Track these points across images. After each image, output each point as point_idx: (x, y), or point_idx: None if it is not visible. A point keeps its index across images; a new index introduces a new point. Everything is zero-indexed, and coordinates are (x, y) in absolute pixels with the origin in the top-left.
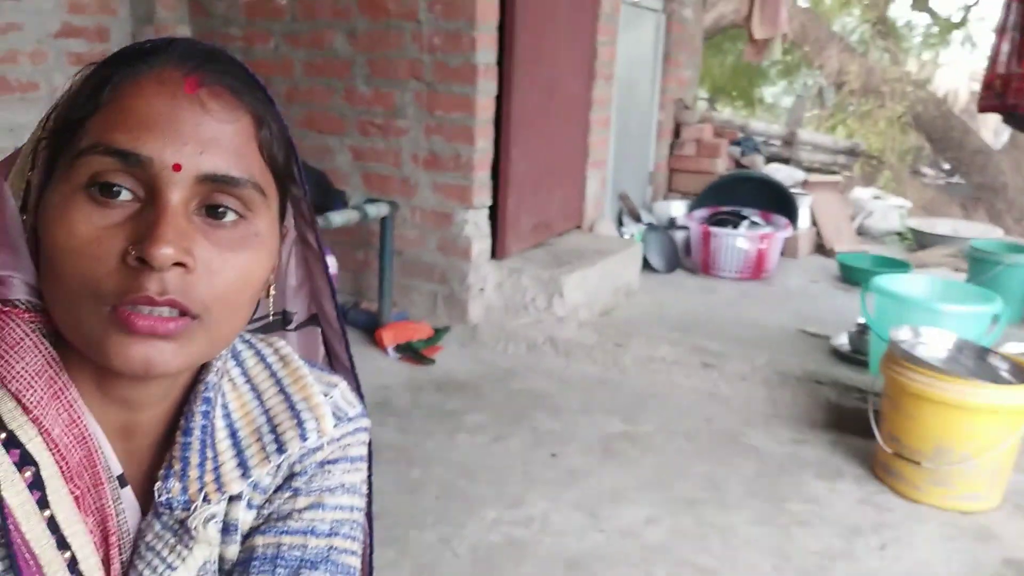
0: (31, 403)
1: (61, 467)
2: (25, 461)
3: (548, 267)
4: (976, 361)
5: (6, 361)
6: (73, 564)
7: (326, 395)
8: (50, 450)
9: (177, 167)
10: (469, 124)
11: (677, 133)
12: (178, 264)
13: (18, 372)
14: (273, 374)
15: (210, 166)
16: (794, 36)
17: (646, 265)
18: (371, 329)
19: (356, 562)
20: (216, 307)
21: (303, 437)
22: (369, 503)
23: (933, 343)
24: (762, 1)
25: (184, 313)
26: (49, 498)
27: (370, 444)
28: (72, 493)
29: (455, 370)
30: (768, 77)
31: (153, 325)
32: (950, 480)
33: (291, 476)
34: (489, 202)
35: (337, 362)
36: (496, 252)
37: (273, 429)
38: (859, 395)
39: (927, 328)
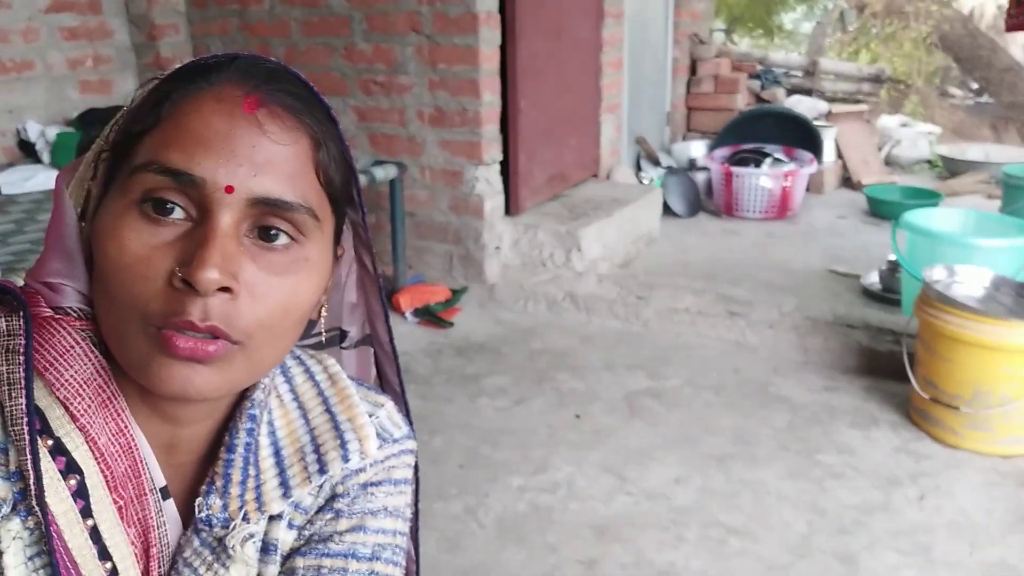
0: (79, 411)
1: (106, 476)
2: (71, 469)
3: (564, 221)
4: (1015, 298)
5: (56, 368)
6: (114, 575)
7: (371, 415)
8: (96, 459)
9: (230, 189)
10: (474, 76)
11: (693, 70)
12: (223, 289)
13: (67, 379)
14: (320, 392)
15: (263, 189)
16: None
17: (667, 210)
18: (387, 294)
19: None
20: (259, 333)
21: (345, 458)
22: (416, 526)
23: (968, 281)
24: None
25: (225, 339)
26: (93, 507)
27: (416, 466)
28: (116, 503)
29: (474, 332)
30: (786, 3)
31: (194, 348)
32: (990, 424)
33: (333, 497)
34: (500, 157)
35: (388, 385)
36: (510, 208)
37: (316, 449)
38: (892, 338)
39: (961, 266)
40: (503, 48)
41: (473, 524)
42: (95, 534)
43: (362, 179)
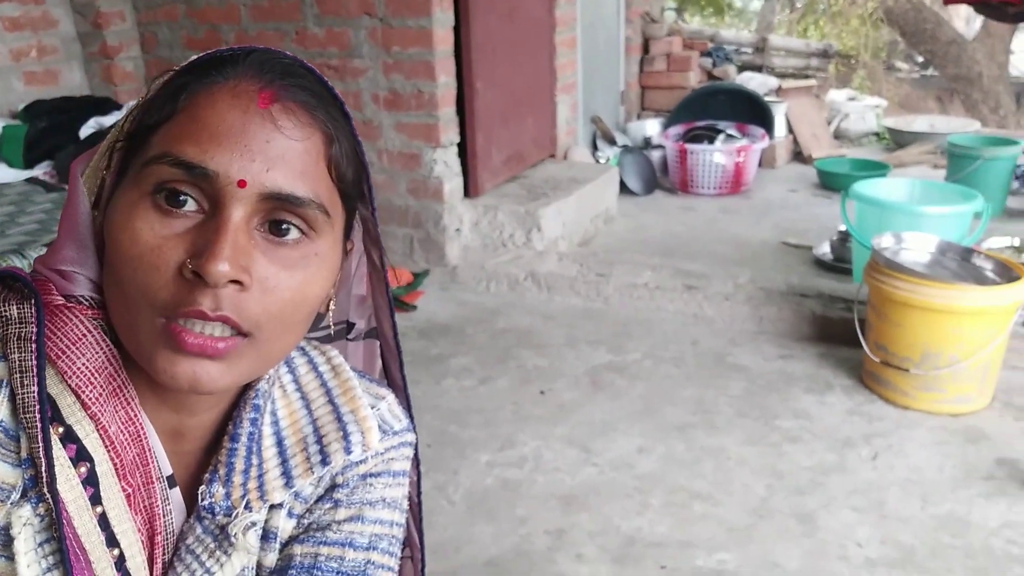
0: (90, 399)
1: (115, 464)
2: (81, 456)
3: (524, 201)
4: (960, 263)
5: (68, 356)
6: (120, 562)
7: (373, 407)
8: (106, 447)
9: (242, 183)
10: (428, 58)
11: (646, 49)
12: (234, 281)
13: (79, 368)
14: (324, 383)
15: (275, 184)
16: None
17: (624, 189)
18: None
19: None
20: (268, 325)
21: (347, 450)
22: (420, 516)
23: (916, 248)
24: None
25: (235, 330)
26: (102, 495)
27: (417, 459)
28: (124, 491)
29: (437, 314)
30: None
31: (203, 345)
32: (939, 384)
33: (333, 487)
34: (457, 139)
35: (391, 379)
36: (469, 190)
37: (319, 440)
38: (844, 305)
39: (909, 233)
40: (457, 29)
41: (443, 501)
42: (103, 521)
43: None
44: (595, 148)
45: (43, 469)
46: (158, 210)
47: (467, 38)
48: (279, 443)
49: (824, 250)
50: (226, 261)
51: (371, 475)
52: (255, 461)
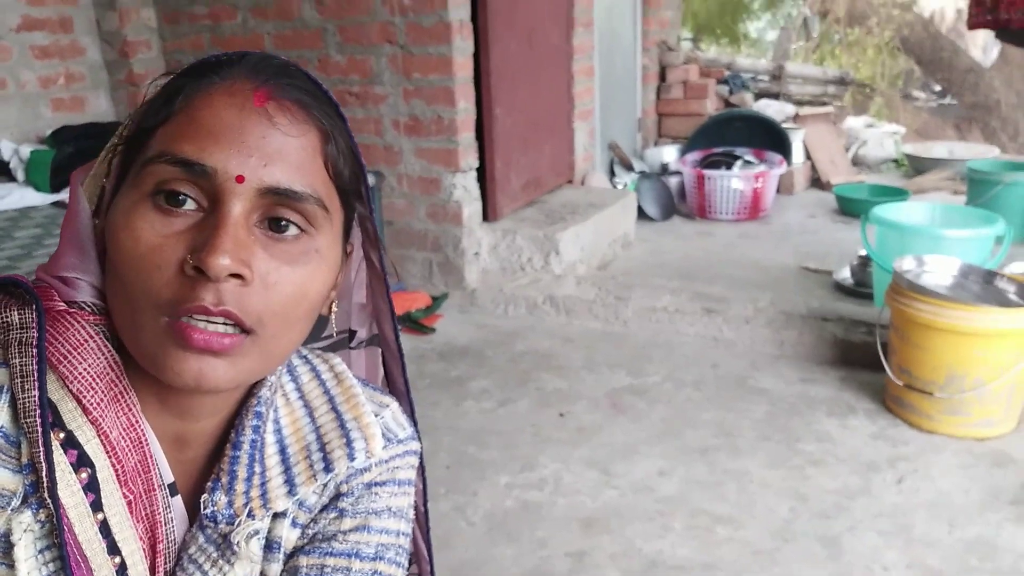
0: (91, 405)
1: (116, 471)
2: (82, 462)
3: (542, 225)
4: (983, 285)
5: (70, 362)
6: (122, 570)
7: (377, 415)
8: (107, 453)
9: (240, 179)
10: (448, 85)
11: (663, 76)
12: (235, 276)
13: (80, 373)
14: (327, 391)
15: (273, 179)
16: None
17: (641, 214)
18: None
19: None
20: (271, 321)
21: (351, 456)
22: (427, 526)
23: (938, 271)
24: None
25: (238, 326)
26: (103, 501)
27: (423, 467)
28: (126, 498)
29: (456, 337)
30: (751, 11)
31: (208, 341)
32: (964, 408)
33: (337, 496)
34: (476, 164)
35: (393, 385)
36: (488, 214)
37: (322, 447)
38: (866, 329)
39: (930, 256)
40: (476, 56)
41: (462, 522)
42: (104, 528)
43: None
44: (612, 174)
45: (44, 474)
46: (158, 210)
47: (486, 65)
48: (282, 451)
49: (844, 275)
50: (226, 254)
51: (376, 484)
52: (258, 469)
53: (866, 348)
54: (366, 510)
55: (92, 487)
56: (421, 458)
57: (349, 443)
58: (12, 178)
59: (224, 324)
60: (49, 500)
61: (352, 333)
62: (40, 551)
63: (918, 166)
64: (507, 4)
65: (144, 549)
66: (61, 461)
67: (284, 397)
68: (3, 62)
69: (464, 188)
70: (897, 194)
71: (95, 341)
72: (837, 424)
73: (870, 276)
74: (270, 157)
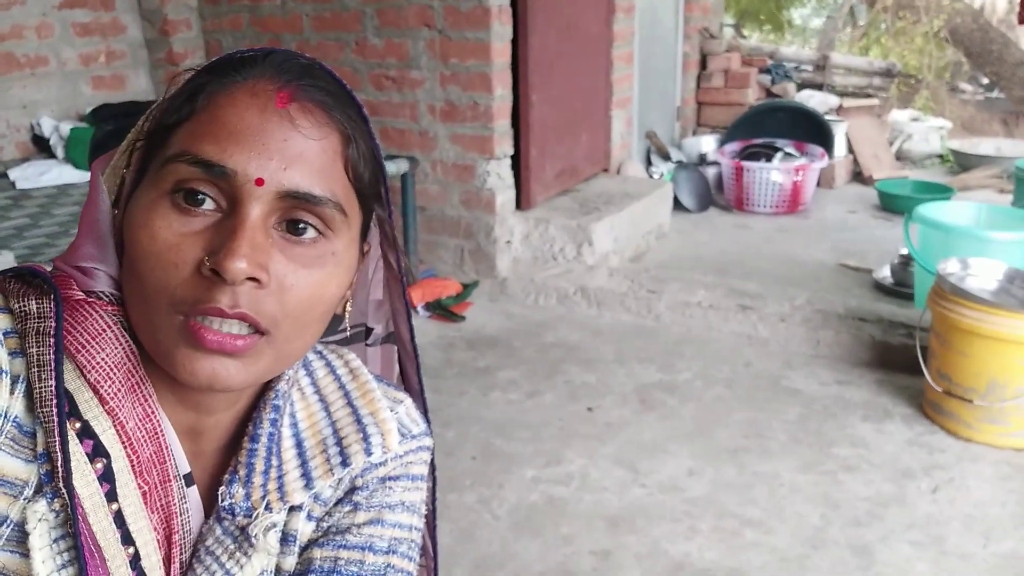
0: (108, 395)
1: (132, 461)
2: (97, 452)
3: (575, 215)
4: None
5: (87, 351)
6: (135, 561)
7: (392, 410)
8: (122, 443)
9: (260, 182)
10: (485, 71)
11: (704, 64)
12: (251, 279)
13: (98, 363)
14: (342, 386)
15: (293, 183)
16: None
17: (677, 205)
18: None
19: None
20: (286, 324)
21: (368, 451)
22: (433, 523)
23: (982, 274)
24: None
25: (253, 327)
26: (118, 492)
27: (433, 463)
28: (140, 488)
29: (486, 326)
30: None
31: (222, 342)
32: (1004, 417)
33: (352, 490)
34: (511, 151)
35: (408, 383)
36: (521, 203)
37: (339, 442)
38: (905, 331)
39: (975, 259)
40: (514, 42)
41: (487, 515)
42: (119, 518)
43: None
44: (649, 163)
45: (59, 464)
46: (177, 208)
47: (525, 51)
48: (298, 444)
49: (884, 274)
50: (244, 258)
51: (390, 478)
52: (275, 462)
53: (905, 351)
54: (380, 504)
55: (107, 477)
56: (432, 455)
57: (366, 438)
58: (52, 155)
59: (239, 325)
60: (64, 489)
61: (369, 330)
62: (55, 540)
63: (964, 162)
64: None
65: (159, 539)
66: (77, 451)
67: (300, 391)
68: (46, 39)
69: (498, 175)
70: (941, 191)
71: (113, 331)
72: (872, 429)
73: (911, 276)
74: (291, 160)
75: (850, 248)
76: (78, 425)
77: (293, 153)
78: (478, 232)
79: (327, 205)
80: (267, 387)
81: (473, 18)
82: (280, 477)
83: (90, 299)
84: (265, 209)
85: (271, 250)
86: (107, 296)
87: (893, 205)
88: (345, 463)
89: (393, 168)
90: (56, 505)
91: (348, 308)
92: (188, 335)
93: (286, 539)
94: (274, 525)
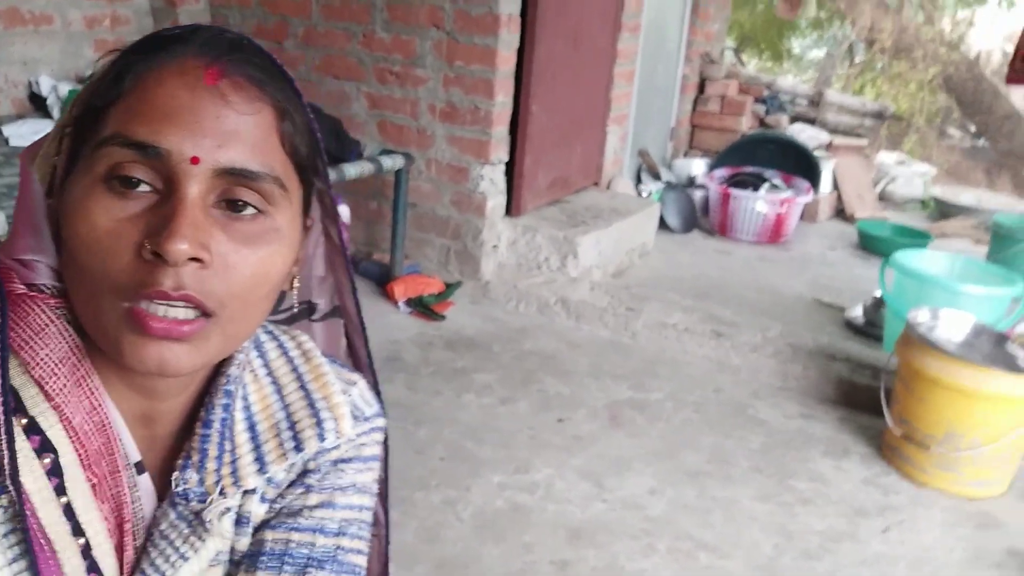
0: (54, 390)
1: (80, 454)
2: (45, 447)
3: (563, 226)
4: (993, 347)
5: (31, 347)
6: (87, 550)
7: (345, 393)
8: (70, 437)
9: (195, 160)
10: (489, 77)
11: (702, 88)
12: (194, 259)
13: (42, 358)
14: (295, 368)
15: (229, 160)
16: None
17: (662, 224)
18: (383, 281)
19: (363, 561)
20: (232, 303)
21: (321, 437)
22: (385, 491)
23: (951, 326)
24: None
25: (199, 310)
26: (67, 485)
27: (386, 442)
28: (89, 481)
29: (465, 327)
30: (798, 29)
31: (168, 328)
32: (958, 466)
33: (305, 472)
34: (506, 158)
35: (356, 356)
36: (511, 209)
37: (292, 426)
38: (871, 372)
39: (945, 310)
40: (520, 51)
41: (452, 516)
42: (69, 511)
43: (368, 167)
44: (639, 181)
45: (6, 461)
46: (112, 193)
47: (529, 61)
48: (251, 428)
49: (856, 313)
50: (184, 239)
51: (342, 461)
52: (228, 447)
53: (869, 392)
54: (332, 486)
55: (55, 471)
56: (385, 432)
57: (319, 423)
58: (48, 114)
59: (185, 308)
60: (11, 486)
61: (313, 305)
62: (4, 535)
63: (944, 210)
64: (558, 2)
65: (109, 529)
66: (24, 447)
67: (252, 374)
68: None
69: (491, 180)
70: (920, 237)
71: (56, 325)
72: (831, 465)
73: (882, 318)
74: (225, 137)
75: (827, 284)
76: (24, 421)
77: (227, 130)
78: (466, 234)
79: (265, 180)
80: (219, 371)
81: (482, 24)
82: (234, 462)
83: (32, 293)
84: (203, 188)
85: (212, 229)
86: (49, 289)
87: (872, 245)
88: (299, 448)
89: (389, 163)
90: (4, 501)
91: (296, 284)
92: (133, 322)
93: (240, 521)
94: (228, 510)
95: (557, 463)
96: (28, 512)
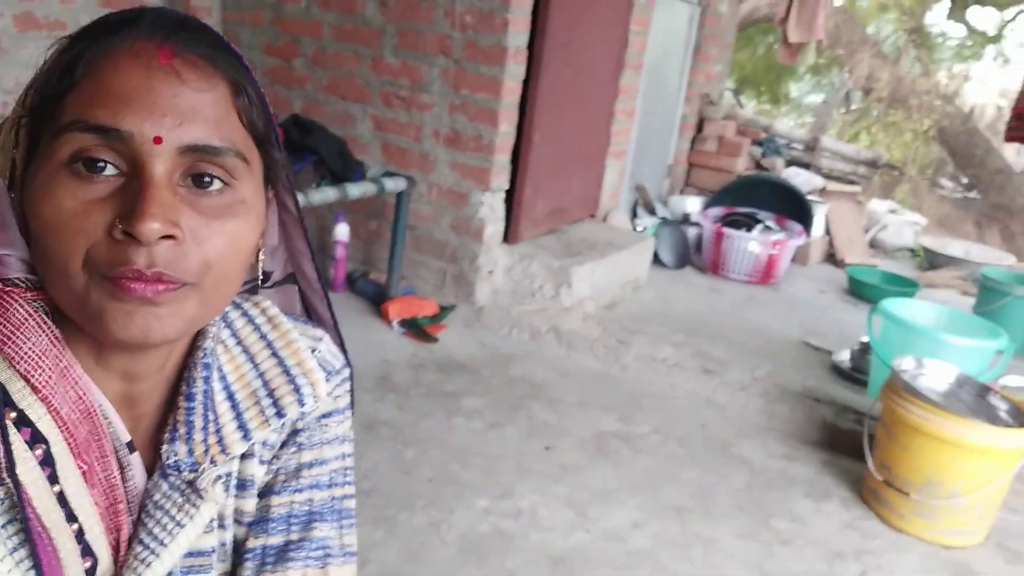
0: (40, 383)
1: (69, 443)
2: (36, 439)
3: (559, 256)
4: (976, 398)
5: (14, 342)
6: (80, 535)
7: (313, 350)
8: (59, 427)
9: (158, 140)
10: (494, 106)
11: (700, 128)
12: (166, 236)
13: (26, 352)
14: (263, 336)
15: (191, 137)
16: (827, 37)
17: (656, 260)
18: (378, 301)
19: (353, 504)
20: (207, 276)
21: (301, 402)
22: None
23: (935, 375)
24: (800, 4)
25: (172, 283)
26: (59, 474)
27: (351, 382)
28: (80, 468)
29: (457, 351)
30: (797, 74)
31: (144, 288)
32: (936, 514)
33: (295, 432)
34: (506, 186)
35: (319, 319)
36: (508, 236)
37: (270, 393)
38: (855, 417)
39: (930, 360)
40: (525, 82)
41: (436, 539)
42: (61, 499)
43: (371, 188)
44: (635, 216)
45: (2, 455)
46: (77, 177)
47: (534, 92)
48: (230, 397)
49: (843, 357)
50: (155, 218)
51: (324, 416)
52: (211, 417)
53: (852, 436)
54: (320, 441)
55: (47, 461)
56: (351, 382)
57: (297, 389)
58: None
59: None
60: (9, 479)
61: (267, 275)
62: (3, 526)
63: (933, 260)
64: (564, 37)
65: (100, 512)
66: (16, 440)
67: (223, 344)
68: (68, 4)
69: (491, 207)
70: (908, 285)
71: (35, 319)
72: (812, 506)
73: (868, 363)
74: (184, 115)
75: (815, 327)
76: (13, 415)
77: (185, 108)
78: (463, 258)
79: (228, 155)
80: (194, 347)
81: (490, 54)
82: (218, 431)
83: (7, 287)
84: (168, 166)
85: (180, 206)
86: (23, 282)
87: (861, 291)
88: (280, 414)
89: (391, 184)
90: (1, 493)
91: (262, 256)
92: (111, 291)
93: (244, 485)
94: (220, 477)
95: (542, 490)
96: (25, 503)
